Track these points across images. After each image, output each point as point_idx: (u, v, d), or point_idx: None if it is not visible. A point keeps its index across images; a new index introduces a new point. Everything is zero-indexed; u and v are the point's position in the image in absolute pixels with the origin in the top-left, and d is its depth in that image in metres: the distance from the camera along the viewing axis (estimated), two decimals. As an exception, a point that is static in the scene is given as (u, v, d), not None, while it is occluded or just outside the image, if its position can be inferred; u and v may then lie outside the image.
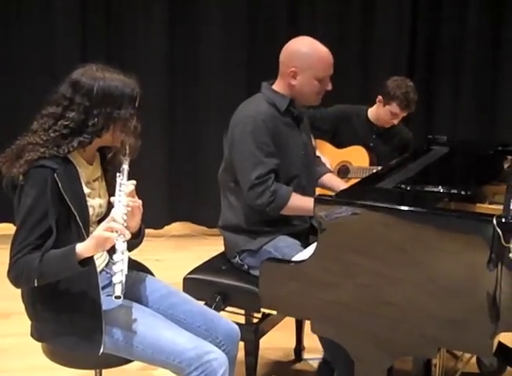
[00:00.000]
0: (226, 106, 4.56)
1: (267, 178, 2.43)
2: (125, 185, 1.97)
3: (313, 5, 4.72)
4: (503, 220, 1.75)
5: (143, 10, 4.58)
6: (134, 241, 1.98)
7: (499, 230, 1.74)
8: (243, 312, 2.63)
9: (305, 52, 2.50)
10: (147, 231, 4.69)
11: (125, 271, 1.79)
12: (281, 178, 2.50)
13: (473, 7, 4.64)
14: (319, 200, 1.94)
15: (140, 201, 2.01)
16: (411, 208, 1.86)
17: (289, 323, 2.77)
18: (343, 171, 3.64)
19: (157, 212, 4.64)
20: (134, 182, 2.00)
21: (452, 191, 2.14)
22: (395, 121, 3.56)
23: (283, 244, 2.51)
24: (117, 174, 2.00)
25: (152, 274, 2.25)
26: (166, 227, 4.78)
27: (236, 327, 2.17)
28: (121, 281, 1.77)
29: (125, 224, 1.87)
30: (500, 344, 2.72)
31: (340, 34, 4.73)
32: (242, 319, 2.64)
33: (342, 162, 3.66)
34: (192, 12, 4.62)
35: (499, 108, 4.68)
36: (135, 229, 2.03)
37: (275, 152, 2.48)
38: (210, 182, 4.47)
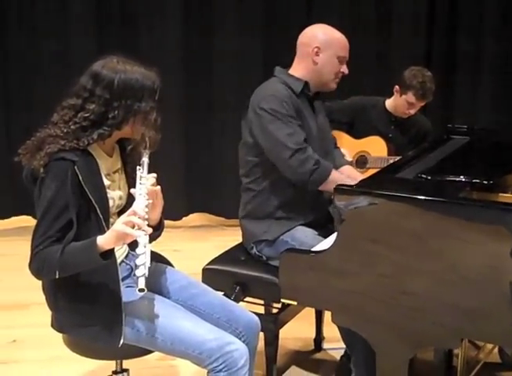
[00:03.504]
0: (242, 96, 4.55)
1: (306, 145, 2.46)
2: (145, 178, 1.97)
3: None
4: (527, 209, 1.73)
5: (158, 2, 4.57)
6: (154, 233, 1.97)
7: (521, 220, 1.72)
8: (262, 302, 2.63)
9: (325, 33, 2.61)
10: (165, 222, 4.72)
11: (148, 264, 1.79)
12: None
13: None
14: (340, 190, 1.92)
15: (161, 193, 2.00)
16: (431, 198, 1.84)
17: (309, 313, 2.77)
18: (361, 162, 3.62)
19: (175, 203, 4.64)
20: (154, 175, 2.00)
21: (474, 180, 2.12)
22: (412, 111, 3.53)
23: (300, 234, 2.51)
24: (138, 167, 2.01)
25: (171, 265, 2.25)
26: (184, 218, 4.79)
27: (256, 317, 2.17)
28: (144, 274, 1.77)
29: (146, 216, 1.87)
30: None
31: (357, 25, 4.69)
32: (261, 310, 2.64)
33: (360, 152, 3.64)
34: (207, 7, 4.61)
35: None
36: (155, 222, 2.03)
37: (301, 126, 2.52)
38: (228, 173, 4.50)
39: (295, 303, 2.06)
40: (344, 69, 2.63)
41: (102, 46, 4.39)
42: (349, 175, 2.74)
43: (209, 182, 4.78)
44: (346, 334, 2.40)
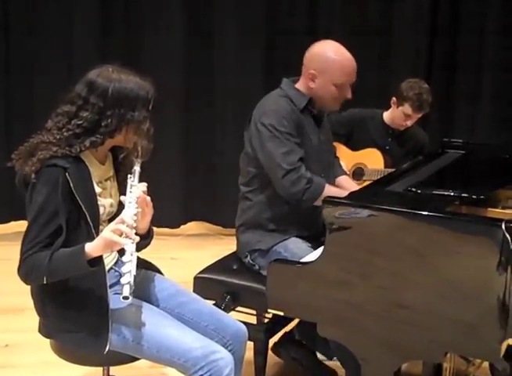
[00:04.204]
0: (243, 104, 4.57)
1: (299, 165, 2.45)
2: (136, 186, 1.99)
3: (332, 2, 4.72)
4: (512, 225, 1.74)
5: (160, 10, 4.60)
6: (143, 242, 1.99)
7: (507, 235, 1.73)
8: (254, 312, 2.64)
9: (327, 56, 2.52)
10: (163, 230, 4.76)
11: (134, 272, 1.81)
12: None
13: (494, 6, 4.61)
14: (327, 202, 1.94)
15: (151, 203, 2.02)
16: (416, 211, 1.85)
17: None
18: (357, 174, 3.63)
19: (173, 212, 4.68)
20: (145, 184, 2.02)
21: (463, 195, 2.13)
22: (409, 123, 3.55)
23: (293, 246, 2.52)
24: (129, 175, 2.02)
25: (160, 273, 2.26)
26: (182, 226, 4.80)
27: (244, 327, 2.18)
28: (129, 282, 1.79)
29: (135, 225, 1.89)
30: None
31: (358, 35, 4.72)
32: (253, 319, 2.65)
33: (357, 164, 3.66)
34: (209, 10, 4.63)
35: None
36: (144, 231, 2.05)
37: (300, 143, 2.50)
38: (227, 182, 4.52)
39: (282, 314, 2.07)
40: (346, 94, 2.55)
41: (104, 55, 4.43)
42: (345, 187, 2.76)
43: (207, 191, 4.80)
44: (336, 348, 2.40)
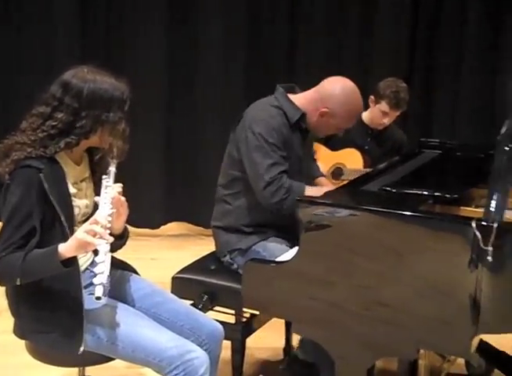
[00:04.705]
0: (224, 105, 4.62)
1: (280, 176, 2.46)
2: (111, 187, 1.99)
3: (313, 5, 4.74)
4: (483, 223, 1.76)
5: (143, 11, 4.61)
6: (118, 242, 1.99)
7: (478, 233, 1.75)
8: (233, 311, 2.64)
9: (345, 102, 2.53)
10: (143, 231, 4.73)
11: (107, 272, 1.81)
12: None
13: (473, 10, 4.65)
14: (302, 201, 1.96)
15: (126, 203, 2.02)
16: (388, 210, 1.88)
17: (278, 322, 2.78)
18: (337, 174, 3.65)
19: (154, 212, 4.68)
20: (120, 184, 2.02)
21: (437, 194, 2.15)
22: (386, 121, 3.57)
23: (272, 245, 2.53)
24: (103, 176, 2.02)
25: (137, 273, 2.26)
26: (162, 227, 4.80)
27: (220, 326, 2.18)
28: (102, 283, 1.79)
29: (109, 225, 1.89)
30: (488, 346, 2.73)
31: (339, 39, 4.75)
32: (232, 319, 2.65)
33: (336, 164, 3.67)
34: (192, 13, 4.64)
35: (496, 111, 4.68)
36: (119, 231, 2.05)
37: (286, 156, 2.51)
38: (208, 182, 4.50)
39: (257, 312, 2.08)
40: (338, 132, 2.68)
41: (84, 55, 4.41)
42: (322, 188, 2.78)
43: (188, 191, 4.80)
44: (312, 348, 2.41)
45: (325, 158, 3.53)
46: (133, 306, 2.12)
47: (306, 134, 2.65)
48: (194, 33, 4.65)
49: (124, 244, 2.12)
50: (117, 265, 2.14)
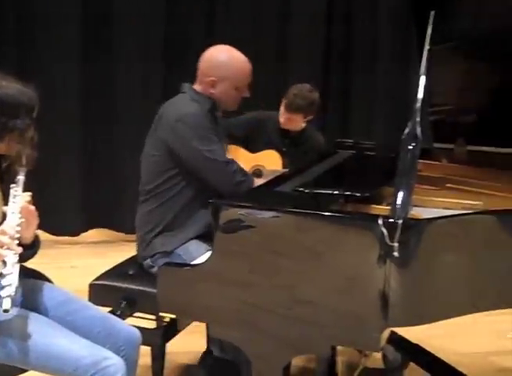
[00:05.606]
0: (143, 108, 4.57)
1: (232, 159, 2.54)
2: (20, 196, 1.94)
3: (227, 5, 4.78)
4: (389, 220, 1.82)
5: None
6: (28, 252, 1.95)
7: (384, 230, 1.81)
8: (154, 317, 2.63)
9: (224, 63, 2.57)
10: (63, 238, 4.62)
11: (15, 284, 1.77)
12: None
13: (382, 10, 4.81)
14: (212, 204, 1.97)
15: (36, 212, 1.98)
16: (299, 210, 1.91)
17: (200, 326, 2.77)
18: (256, 175, 3.68)
19: (73, 219, 4.60)
20: (29, 193, 1.98)
21: (348, 193, 2.21)
22: (283, 121, 3.64)
23: (192, 248, 2.53)
24: (12, 185, 1.97)
25: (50, 281, 2.22)
26: (82, 234, 4.72)
27: (137, 331, 2.16)
28: (10, 295, 1.74)
29: (17, 235, 1.84)
30: (403, 339, 2.82)
31: (256, 36, 4.80)
32: (154, 324, 2.63)
33: (256, 166, 3.71)
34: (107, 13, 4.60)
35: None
36: (29, 240, 2.00)
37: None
38: (128, 189, 4.47)
39: (173, 316, 2.08)
40: (245, 94, 2.65)
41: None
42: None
43: (108, 197, 4.74)
44: (229, 348, 2.42)
45: (245, 160, 3.55)
46: (47, 315, 2.07)
47: (219, 122, 2.69)
48: (109, 34, 4.61)
49: (36, 253, 2.07)
50: (29, 275, 2.09)
